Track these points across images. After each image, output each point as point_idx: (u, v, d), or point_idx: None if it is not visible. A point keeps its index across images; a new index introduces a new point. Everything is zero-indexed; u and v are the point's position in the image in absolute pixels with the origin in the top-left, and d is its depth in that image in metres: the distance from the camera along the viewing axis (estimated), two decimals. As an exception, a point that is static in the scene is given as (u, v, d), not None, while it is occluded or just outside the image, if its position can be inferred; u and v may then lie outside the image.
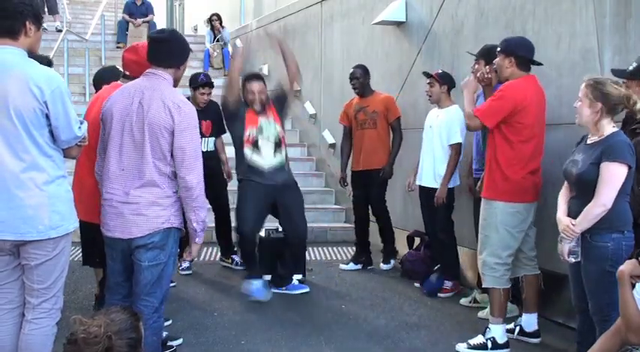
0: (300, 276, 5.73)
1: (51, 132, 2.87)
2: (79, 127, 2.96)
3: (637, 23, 4.17)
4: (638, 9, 4.16)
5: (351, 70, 6.37)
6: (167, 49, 3.38)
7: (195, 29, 16.45)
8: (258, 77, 5.42)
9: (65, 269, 3.04)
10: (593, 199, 3.29)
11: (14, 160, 2.79)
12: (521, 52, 4.16)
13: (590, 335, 3.39)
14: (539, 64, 4.27)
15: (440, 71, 5.56)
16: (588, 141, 3.44)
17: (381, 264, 6.40)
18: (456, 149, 5.35)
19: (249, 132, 5.23)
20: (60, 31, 12.21)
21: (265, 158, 5.23)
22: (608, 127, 3.34)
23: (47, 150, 2.86)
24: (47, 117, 2.82)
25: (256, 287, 5.21)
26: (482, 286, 4.47)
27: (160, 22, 13.89)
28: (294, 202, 5.37)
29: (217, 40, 12.37)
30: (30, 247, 2.86)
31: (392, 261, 6.40)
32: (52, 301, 2.97)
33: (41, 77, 2.81)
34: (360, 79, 6.28)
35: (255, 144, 5.22)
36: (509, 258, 4.21)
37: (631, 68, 3.62)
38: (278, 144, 5.29)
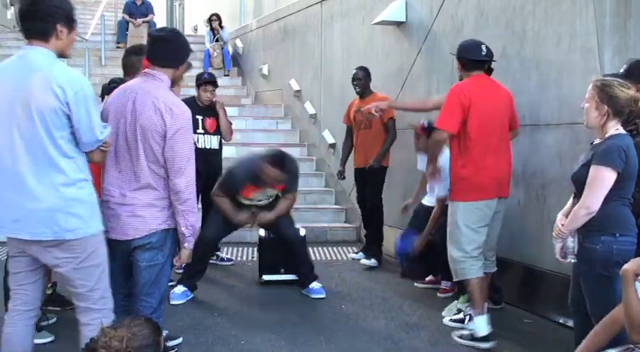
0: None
1: (73, 135, 2.85)
2: (102, 131, 2.92)
3: (637, 23, 4.17)
4: (638, 9, 4.17)
5: (354, 71, 6.54)
6: (166, 49, 3.35)
7: (195, 29, 16.47)
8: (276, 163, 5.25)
9: (105, 271, 3.01)
10: (580, 201, 3.29)
11: (33, 161, 2.78)
12: (461, 55, 4.43)
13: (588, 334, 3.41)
14: (484, 63, 4.47)
15: (425, 124, 5.37)
16: (594, 143, 3.41)
17: (363, 260, 6.52)
18: None
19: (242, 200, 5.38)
20: (60, 31, 12.19)
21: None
22: (612, 130, 3.29)
23: (68, 151, 2.83)
24: (69, 118, 2.80)
25: (179, 291, 5.18)
26: (454, 280, 4.58)
27: (160, 22, 13.90)
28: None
29: (217, 40, 12.38)
30: (57, 251, 2.85)
31: (373, 259, 6.46)
32: (100, 302, 2.97)
33: (65, 78, 2.78)
34: (362, 80, 6.47)
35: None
36: (476, 251, 4.34)
37: (622, 71, 3.63)
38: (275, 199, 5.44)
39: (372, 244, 6.61)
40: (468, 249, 4.31)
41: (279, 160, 5.18)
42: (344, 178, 6.90)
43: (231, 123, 6.30)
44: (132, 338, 2.20)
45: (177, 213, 3.28)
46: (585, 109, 3.34)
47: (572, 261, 3.39)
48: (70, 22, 2.90)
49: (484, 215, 4.34)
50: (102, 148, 2.99)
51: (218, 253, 6.47)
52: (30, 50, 2.84)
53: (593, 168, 3.23)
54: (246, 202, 5.35)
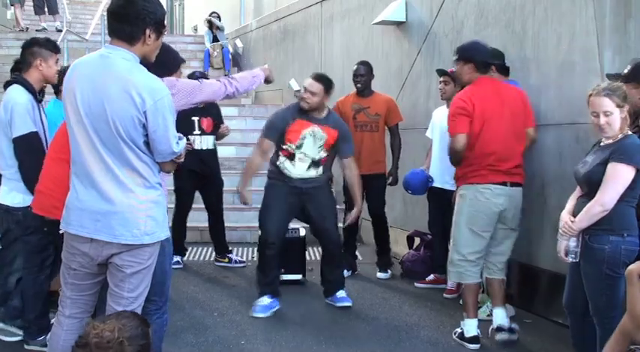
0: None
1: (146, 144, 2.78)
2: (177, 143, 2.84)
3: (637, 23, 4.17)
4: (638, 9, 4.17)
5: (355, 67, 6.08)
6: (155, 62, 3.23)
7: (195, 29, 16.48)
8: (318, 78, 5.10)
9: (150, 279, 2.95)
10: (594, 198, 3.29)
11: (112, 162, 2.73)
12: (478, 57, 4.32)
13: (585, 335, 3.46)
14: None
15: (455, 70, 5.48)
16: (602, 144, 3.42)
17: (378, 273, 6.09)
18: None
19: (288, 146, 4.94)
20: (60, 31, 12.22)
21: (296, 168, 4.96)
22: (626, 130, 3.32)
23: (143, 156, 2.78)
24: (144, 127, 2.73)
25: (261, 304, 4.91)
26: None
27: (160, 22, 13.90)
28: (323, 207, 5.08)
29: (216, 40, 12.39)
30: (126, 254, 2.79)
31: (389, 271, 6.11)
32: (138, 310, 2.88)
33: (145, 86, 2.70)
34: (365, 76, 6.02)
35: (291, 156, 4.97)
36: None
37: (626, 71, 3.63)
38: (316, 163, 5.00)
39: (381, 255, 6.17)
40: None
41: (320, 76, 5.13)
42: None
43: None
44: (122, 328, 2.21)
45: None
46: (609, 122, 3.29)
47: (573, 260, 3.40)
48: (159, 28, 2.81)
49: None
50: (175, 160, 2.91)
51: (230, 256, 6.41)
52: (113, 51, 2.76)
53: (612, 166, 3.24)
54: (294, 150, 4.93)
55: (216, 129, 6.21)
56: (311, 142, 4.95)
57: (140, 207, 2.77)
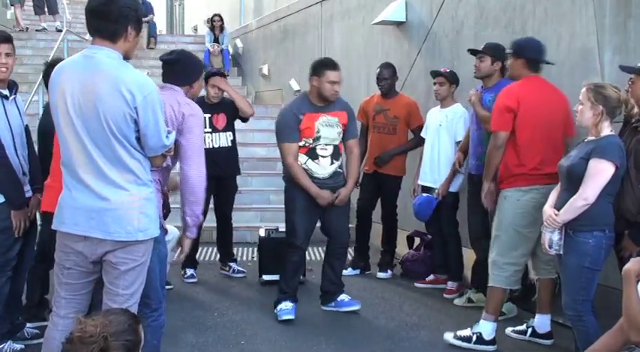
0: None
1: (138, 139, 2.80)
2: (167, 136, 2.88)
3: (637, 23, 4.17)
4: (638, 9, 4.17)
5: (378, 70, 5.99)
6: (177, 70, 3.37)
7: (195, 29, 16.48)
8: (336, 65, 4.74)
9: (145, 275, 2.96)
10: (577, 192, 3.40)
11: (103, 161, 2.75)
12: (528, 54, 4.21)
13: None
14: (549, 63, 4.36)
15: (448, 70, 5.48)
16: (585, 140, 3.58)
17: (378, 273, 6.08)
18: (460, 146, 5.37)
19: (305, 141, 4.74)
20: (60, 31, 12.23)
21: (322, 167, 4.79)
22: (607, 130, 3.46)
23: (135, 153, 2.81)
24: (136, 122, 2.76)
25: (286, 308, 4.83)
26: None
27: (160, 22, 13.90)
28: (337, 207, 4.87)
29: (217, 41, 12.39)
30: (120, 252, 2.80)
31: (389, 271, 6.09)
32: (134, 308, 2.90)
33: (134, 82, 2.73)
34: (389, 80, 5.94)
35: (312, 152, 4.76)
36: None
37: (639, 65, 3.71)
38: (336, 151, 4.83)
39: (384, 254, 6.16)
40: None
41: (335, 63, 4.75)
42: (359, 185, 5.97)
43: (244, 96, 6.04)
44: (108, 324, 2.20)
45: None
46: (579, 110, 3.50)
47: (556, 252, 3.53)
48: (139, 24, 2.84)
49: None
50: (165, 153, 2.95)
51: (232, 264, 6.12)
52: (97, 50, 2.77)
53: (594, 161, 3.37)
54: (312, 143, 4.74)
55: (232, 126, 5.90)
56: (327, 129, 4.78)
57: (133, 203, 2.79)
